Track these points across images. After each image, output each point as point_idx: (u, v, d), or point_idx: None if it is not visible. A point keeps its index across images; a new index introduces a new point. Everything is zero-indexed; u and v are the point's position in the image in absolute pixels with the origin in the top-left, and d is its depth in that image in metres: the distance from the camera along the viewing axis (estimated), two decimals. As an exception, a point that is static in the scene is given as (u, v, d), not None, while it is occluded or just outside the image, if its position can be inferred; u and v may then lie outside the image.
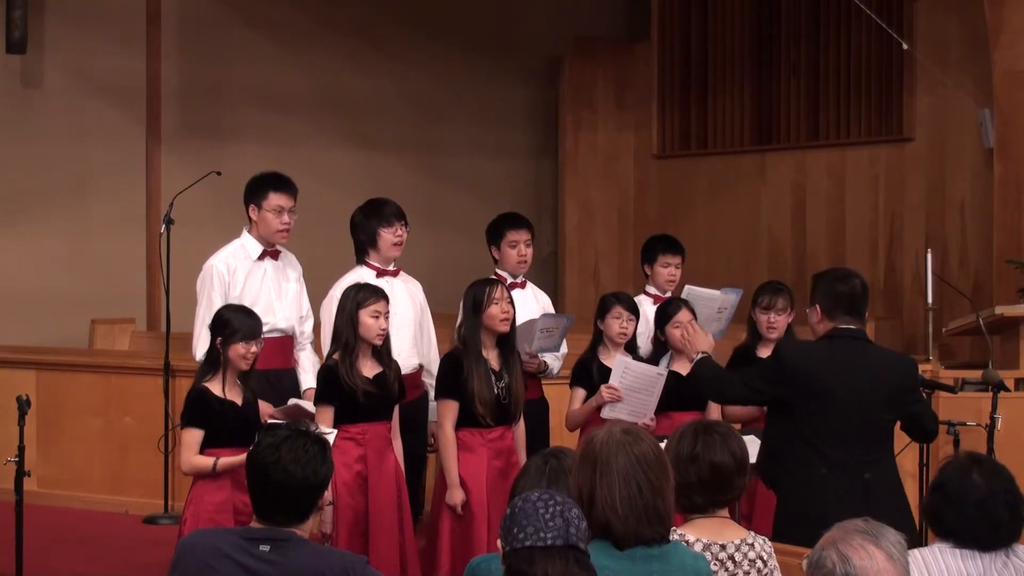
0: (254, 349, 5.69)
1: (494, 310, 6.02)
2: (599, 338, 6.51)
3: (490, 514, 5.90)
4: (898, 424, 5.46)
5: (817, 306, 5.33)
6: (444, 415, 6.05)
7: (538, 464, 3.85)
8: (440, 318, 7.03)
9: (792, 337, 6.66)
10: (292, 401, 6.05)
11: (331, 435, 5.41)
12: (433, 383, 6.58)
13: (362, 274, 6.54)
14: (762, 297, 6.67)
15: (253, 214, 6.55)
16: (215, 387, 5.68)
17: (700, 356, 5.70)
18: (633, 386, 6.22)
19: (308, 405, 5.92)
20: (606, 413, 6.21)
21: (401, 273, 6.74)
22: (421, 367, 6.68)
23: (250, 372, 5.78)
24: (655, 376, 6.28)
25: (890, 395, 5.25)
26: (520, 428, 6.21)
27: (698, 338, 5.89)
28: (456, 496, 5.96)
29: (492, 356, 6.08)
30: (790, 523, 5.00)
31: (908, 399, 5.35)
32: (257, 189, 6.56)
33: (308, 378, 6.52)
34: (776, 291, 6.68)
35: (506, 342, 6.10)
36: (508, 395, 6.06)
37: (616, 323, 6.43)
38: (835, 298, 5.30)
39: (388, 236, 6.60)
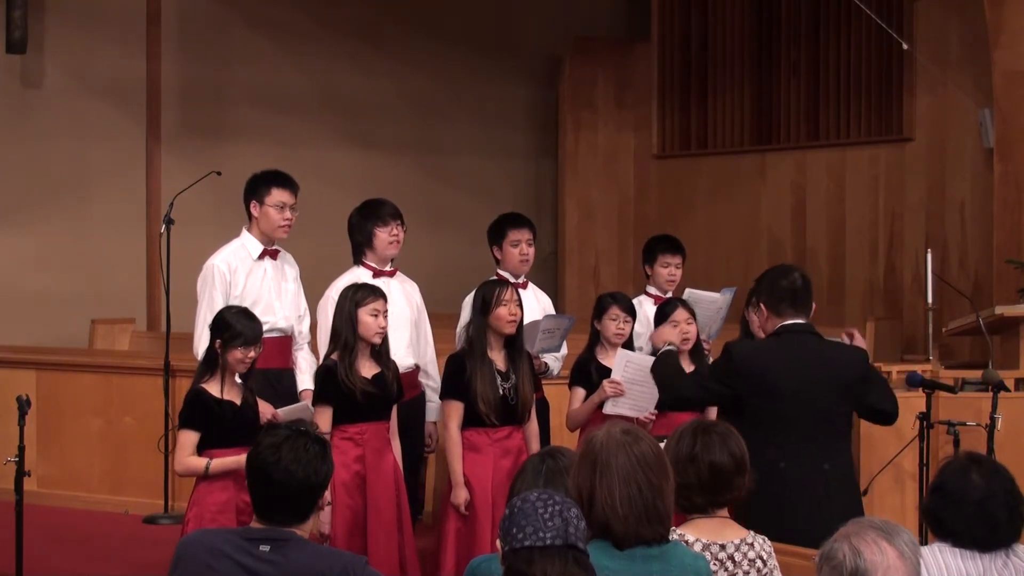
0: (252, 354, 5.68)
1: (502, 311, 6.04)
2: (596, 338, 6.51)
3: (495, 514, 5.89)
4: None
5: (762, 305, 5.42)
6: (449, 416, 6.06)
7: (535, 464, 3.86)
8: (440, 318, 7.03)
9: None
10: (303, 403, 6.07)
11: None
12: (430, 383, 6.61)
13: (359, 275, 6.54)
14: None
15: (255, 210, 6.55)
16: (213, 388, 5.66)
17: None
18: (635, 379, 6.23)
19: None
20: (608, 408, 6.21)
21: (398, 273, 6.74)
22: (417, 367, 6.68)
23: (250, 372, 5.78)
24: None
25: (842, 387, 5.30)
26: (532, 426, 6.22)
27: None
28: (460, 496, 5.97)
29: (499, 357, 6.09)
30: (753, 519, 4.96)
31: (860, 389, 5.37)
32: (259, 185, 6.56)
33: (305, 379, 6.52)
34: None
35: (513, 343, 6.12)
36: (515, 395, 6.07)
37: (613, 324, 6.44)
38: (778, 294, 5.37)
39: (384, 236, 6.61)
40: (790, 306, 5.34)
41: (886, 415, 5.51)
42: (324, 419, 5.82)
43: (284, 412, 5.83)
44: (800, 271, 5.50)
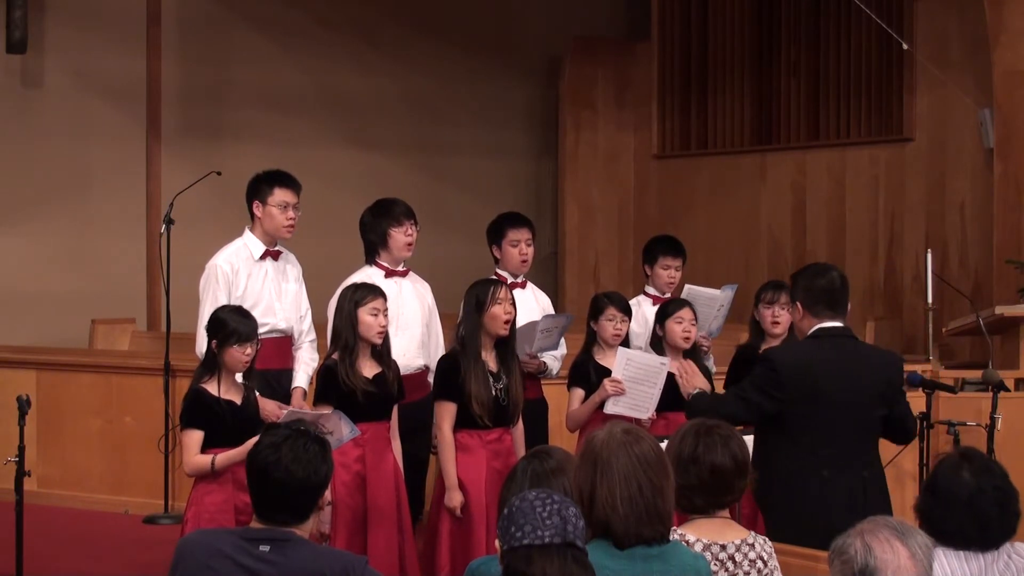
0: (249, 351, 5.68)
1: (496, 310, 5.98)
2: (592, 338, 6.51)
3: (489, 516, 5.86)
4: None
5: (799, 303, 5.28)
6: (442, 416, 6.01)
7: (522, 467, 3.86)
8: (439, 318, 7.03)
9: (795, 339, 6.66)
10: (306, 409, 6.05)
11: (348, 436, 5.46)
12: (438, 385, 6.59)
13: (371, 274, 6.53)
14: (765, 293, 6.69)
15: (257, 210, 6.54)
16: (211, 387, 5.66)
17: (696, 391, 5.60)
18: (636, 377, 6.22)
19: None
20: (609, 408, 6.20)
21: (410, 273, 6.74)
22: (427, 368, 6.66)
23: (250, 371, 5.77)
24: (658, 366, 6.27)
25: (881, 391, 5.23)
26: (519, 429, 6.18)
27: (696, 378, 5.78)
28: (455, 498, 5.92)
29: (490, 358, 6.04)
30: (795, 532, 4.85)
31: (897, 394, 5.31)
32: (261, 185, 6.56)
33: (299, 377, 6.51)
34: (778, 287, 6.70)
35: (505, 344, 6.07)
36: (507, 397, 6.04)
37: (610, 324, 6.43)
38: (815, 293, 5.24)
39: (399, 236, 6.60)
40: (827, 307, 5.21)
41: (907, 433, 5.40)
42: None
43: (288, 413, 5.81)
44: (838, 270, 5.37)
